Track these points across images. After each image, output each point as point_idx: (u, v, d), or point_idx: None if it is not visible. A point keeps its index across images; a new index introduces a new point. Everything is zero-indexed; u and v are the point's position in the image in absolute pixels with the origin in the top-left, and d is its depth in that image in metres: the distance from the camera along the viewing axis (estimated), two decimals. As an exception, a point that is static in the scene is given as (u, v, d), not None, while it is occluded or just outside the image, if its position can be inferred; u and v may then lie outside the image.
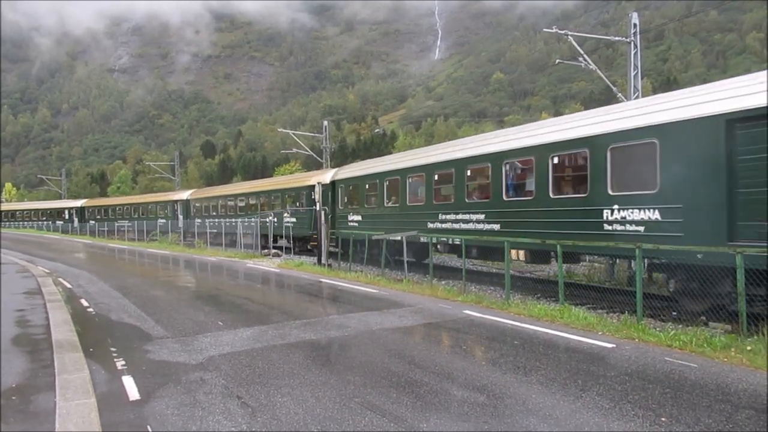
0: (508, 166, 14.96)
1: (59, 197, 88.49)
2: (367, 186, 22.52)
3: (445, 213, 17.33)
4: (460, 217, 16.69)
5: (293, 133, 51.97)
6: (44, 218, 67.44)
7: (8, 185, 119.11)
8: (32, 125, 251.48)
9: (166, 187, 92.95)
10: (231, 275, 20.22)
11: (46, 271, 20.92)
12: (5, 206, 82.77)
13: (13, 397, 5.97)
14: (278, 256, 27.12)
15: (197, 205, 43.00)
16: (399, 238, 18.34)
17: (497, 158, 15.18)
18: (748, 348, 7.67)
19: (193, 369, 7.30)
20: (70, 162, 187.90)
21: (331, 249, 23.75)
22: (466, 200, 16.51)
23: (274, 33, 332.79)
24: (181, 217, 43.88)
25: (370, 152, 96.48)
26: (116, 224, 49.74)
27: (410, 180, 19.59)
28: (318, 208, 23.06)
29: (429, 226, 17.98)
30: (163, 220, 44.70)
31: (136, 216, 50.91)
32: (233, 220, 34.55)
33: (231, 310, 12.07)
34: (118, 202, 58.82)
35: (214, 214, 38.75)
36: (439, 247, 18.11)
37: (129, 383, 6.63)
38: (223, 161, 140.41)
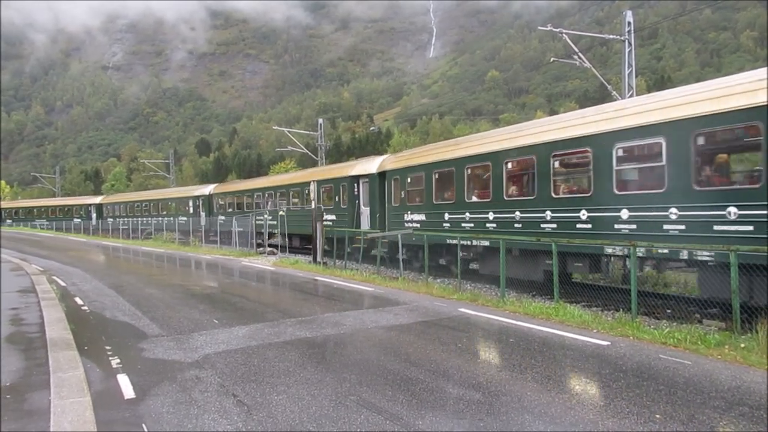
0: None
1: (53, 195, 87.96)
2: None
3: None
4: None
5: (288, 131, 51.93)
6: (163, 213, 48.02)
7: (2, 183, 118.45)
8: (26, 123, 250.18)
9: (161, 185, 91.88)
10: (226, 273, 20.20)
11: (40, 269, 20.84)
12: (111, 198, 66.32)
13: (8, 396, 5.94)
14: (273, 254, 27.07)
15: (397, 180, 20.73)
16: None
17: None
18: (742, 345, 7.71)
19: (188, 367, 7.29)
20: (64, 160, 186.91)
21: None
22: None
23: (269, 30, 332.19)
24: (366, 209, 23.58)
25: (366, 150, 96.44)
26: (254, 220, 29.77)
27: None
28: (314, 204, 22.99)
29: None
30: (332, 219, 25.03)
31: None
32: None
33: (226, 308, 12.05)
34: (262, 185, 35.49)
35: (451, 201, 17.27)
36: None
37: (124, 381, 6.62)
38: (218, 159, 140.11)
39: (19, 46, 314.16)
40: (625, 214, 11.54)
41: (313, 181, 24.31)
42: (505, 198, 14.75)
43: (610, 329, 9.10)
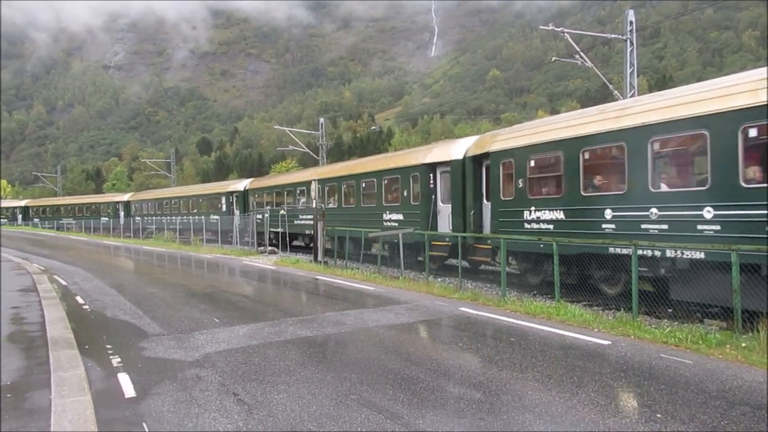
0: None
1: (55, 194, 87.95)
2: None
3: None
4: None
5: (289, 131, 51.88)
6: (194, 211, 42.74)
7: (3, 182, 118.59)
8: (27, 122, 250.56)
9: (162, 184, 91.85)
10: (227, 272, 20.20)
11: (41, 268, 20.85)
12: (139, 195, 59.47)
13: (8, 395, 5.94)
14: (274, 253, 27.07)
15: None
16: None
17: None
18: (743, 345, 7.69)
19: (189, 366, 7.29)
20: (66, 159, 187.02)
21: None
22: None
23: (271, 30, 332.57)
24: (447, 207, 18.27)
25: (367, 150, 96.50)
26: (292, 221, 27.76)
27: None
28: (314, 204, 22.98)
29: None
30: (397, 219, 20.36)
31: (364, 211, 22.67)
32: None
33: (227, 308, 12.05)
34: (308, 177, 27.01)
35: (618, 192, 11.84)
36: None
37: (125, 380, 6.62)
38: (219, 158, 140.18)
39: (21, 46, 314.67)
40: None
41: (314, 180, 24.22)
42: (743, 185, 9.32)
43: (611, 328, 9.09)
